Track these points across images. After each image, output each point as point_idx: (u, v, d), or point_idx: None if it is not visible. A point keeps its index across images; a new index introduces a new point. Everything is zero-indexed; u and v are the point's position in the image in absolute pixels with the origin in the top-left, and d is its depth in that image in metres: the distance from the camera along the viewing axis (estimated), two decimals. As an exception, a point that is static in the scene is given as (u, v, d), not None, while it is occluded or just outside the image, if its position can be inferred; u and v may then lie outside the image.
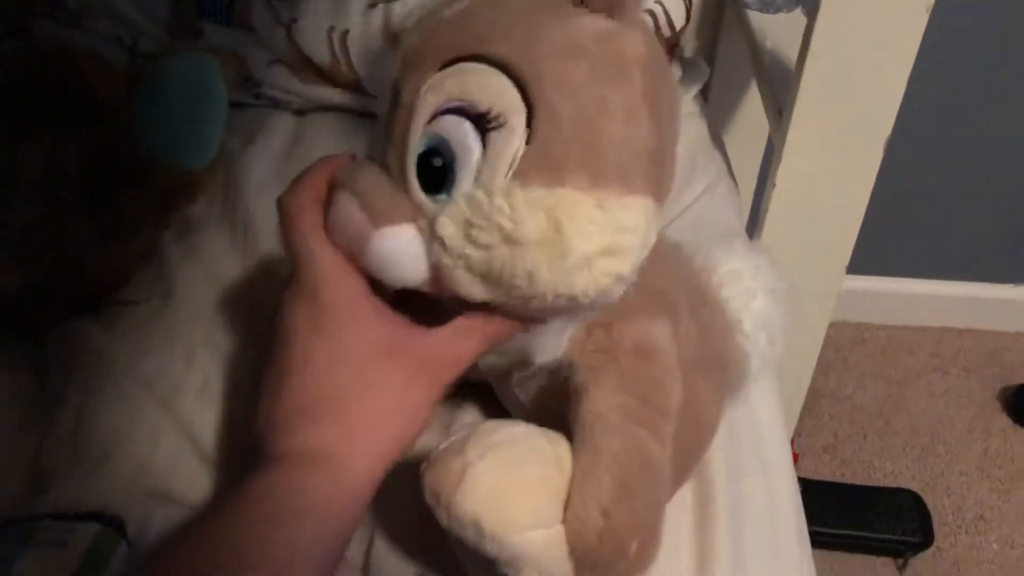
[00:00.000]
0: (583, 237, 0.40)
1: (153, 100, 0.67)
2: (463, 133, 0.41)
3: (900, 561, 1.26)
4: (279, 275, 0.72)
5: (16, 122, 0.66)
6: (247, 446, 0.47)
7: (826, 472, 1.34)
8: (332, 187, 0.45)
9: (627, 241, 0.41)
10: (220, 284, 0.71)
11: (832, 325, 1.52)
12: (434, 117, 0.42)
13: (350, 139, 0.87)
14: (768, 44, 0.92)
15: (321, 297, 0.45)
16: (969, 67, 1.27)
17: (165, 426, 0.60)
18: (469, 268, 0.42)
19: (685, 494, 0.58)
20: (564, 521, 0.43)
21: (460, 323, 0.46)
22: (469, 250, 0.41)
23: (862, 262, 1.48)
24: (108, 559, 0.52)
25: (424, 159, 0.42)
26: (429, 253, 0.43)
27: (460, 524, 0.42)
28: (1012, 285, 1.55)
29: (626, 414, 0.45)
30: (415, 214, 0.43)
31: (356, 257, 0.44)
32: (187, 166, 0.68)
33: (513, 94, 0.41)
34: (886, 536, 1.24)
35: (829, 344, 1.50)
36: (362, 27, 0.84)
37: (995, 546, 1.28)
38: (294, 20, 0.84)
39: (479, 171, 0.41)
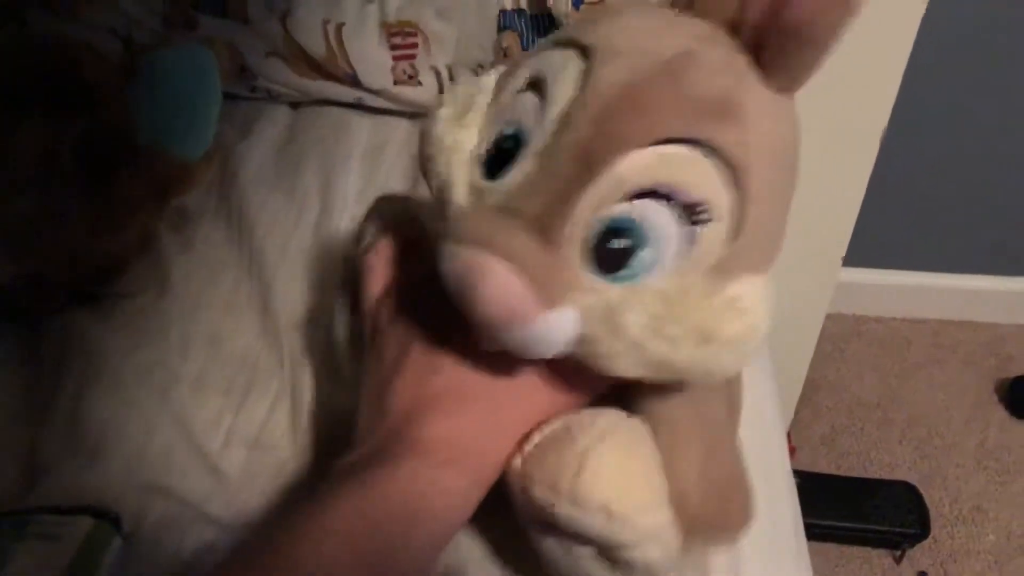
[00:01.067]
0: (762, 328, 0.39)
1: (148, 91, 0.67)
2: (665, 220, 0.37)
3: (897, 553, 1.27)
4: (274, 266, 0.72)
5: (10, 112, 0.66)
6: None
7: (823, 464, 1.34)
8: (460, 239, 0.39)
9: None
10: (215, 275, 0.71)
11: (829, 317, 1.52)
12: (633, 197, 0.37)
13: (346, 133, 0.87)
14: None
15: None
16: (968, 58, 1.27)
17: (159, 419, 0.60)
18: (640, 356, 0.39)
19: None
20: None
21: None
22: (652, 344, 0.38)
23: (860, 254, 1.48)
24: (102, 553, 0.52)
25: (605, 237, 0.38)
26: (584, 332, 0.39)
27: (585, 511, 0.41)
28: (1009, 277, 1.55)
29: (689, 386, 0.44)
30: (573, 290, 0.38)
31: (500, 329, 0.39)
32: (182, 157, 0.68)
33: (728, 188, 0.38)
34: (883, 528, 1.25)
35: (826, 336, 1.50)
36: (357, 20, 0.84)
37: (992, 537, 1.28)
38: (289, 12, 0.84)
39: (678, 262, 0.38)
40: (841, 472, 1.33)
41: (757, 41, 0.37)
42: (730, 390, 0.49)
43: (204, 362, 0.65)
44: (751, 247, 0.38)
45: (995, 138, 1.37)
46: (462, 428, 0.42)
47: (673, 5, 0.41)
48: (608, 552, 0.43)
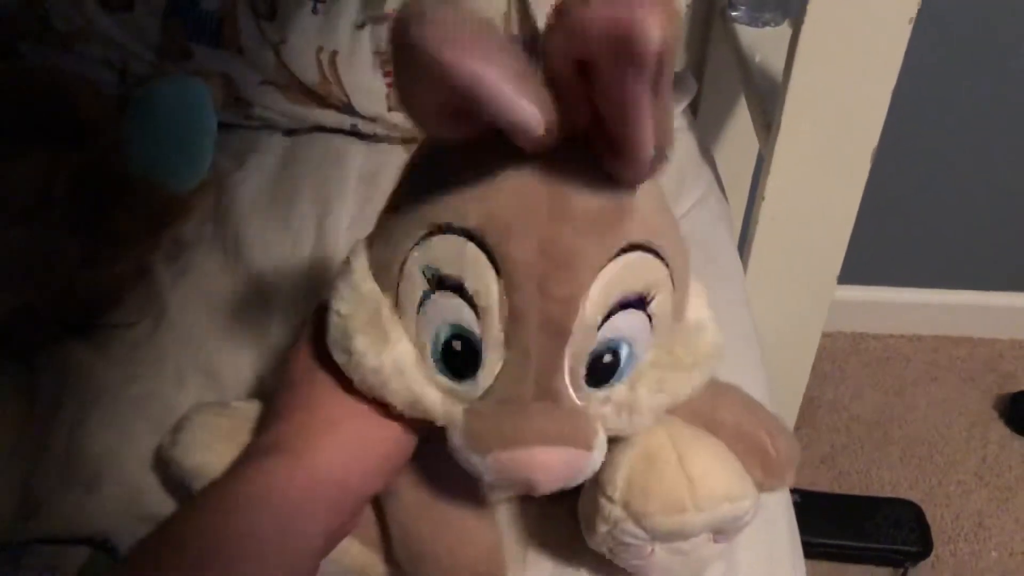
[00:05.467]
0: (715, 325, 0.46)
1: (142, 123, 0.67)
2: (633, 320, 0.41)
3: (900, 571, 1.26)
4: (270, 295, 0.72)
5: (4, 146, 0.67)
6: None
7: (824, 483, 1.34)
8: (492, 446, 0.40)
9: None
10: (211, 305, 0.71)
11: (828, 335, 1.52)
12: (601, 324, 0.40)
13: (341, 159, 0.87)
14: (757, 58, 0.93)
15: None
16: (960, 73, 1.28)
17: (154, 447, 0.60)
18: (655, 415, 0.44)
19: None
20: (742, 456, 0.48)
21: None
22: (660, 400, 0.43)
23: (857, 272, 1.49)
24: (99, 583, 0.52)
25: (594, 365, 0.41)
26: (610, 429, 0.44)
27: (714, 508, 0.45)
28: (1007, 292, 1.55)
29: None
30: (594, 420, 0.42)
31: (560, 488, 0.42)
32: (176, 188, 0.69)
33: (664, 270, 0.42)
34: (885, 546, 1.24)
35: (825, 354, 1.50)
36: (350, 48, 0.85)
37: (994, 554, 1.28)
38: (283, 41, 0.85)
39: (653, 338, 0.43)
40: (842, 490, 1.32)
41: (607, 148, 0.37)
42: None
43: (200, 393, 0.65)
44: (682, 281, 0.43)
45: (992, 153, 1.38)
46: (284, 430, 0.44)
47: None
48: (725, 528, 0.48)
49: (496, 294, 0.39)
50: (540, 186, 0.38)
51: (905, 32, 0.72)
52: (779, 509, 0.63)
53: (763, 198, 0.83)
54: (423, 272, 0.40)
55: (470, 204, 0.39)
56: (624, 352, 0.41)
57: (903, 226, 1.46)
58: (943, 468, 1.37)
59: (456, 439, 0.41)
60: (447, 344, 0.40)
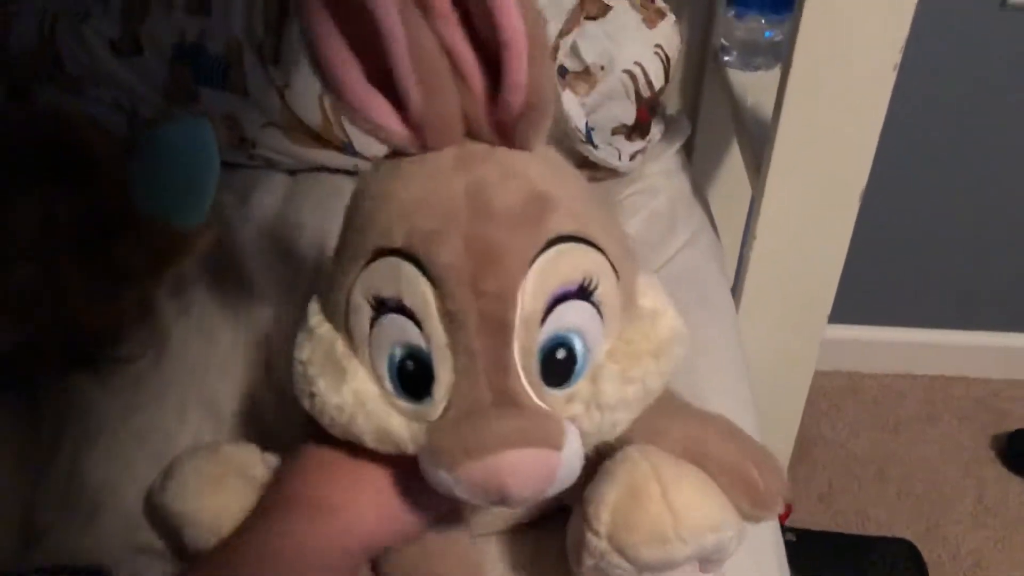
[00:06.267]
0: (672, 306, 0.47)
1: (147, 165, 0.69)
2: (578, 310, 0.41)
3: (897, 611, 1.26)
4: (270, 331, 0.73)
5: (14, 183, 0.68)
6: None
7: (820, 522, 1.34)
8: (460, 459, 0.39)
9: None
10: (213, 341, 0.73)
11: (824, 374, 1.53)
12: (542, 319, 0.41)
13: (342, 199, 0.89)
14: (749, 101, 0.95)
15: None
16: (948, 115, 1.30)
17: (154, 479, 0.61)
18: (627, 410, 0.45)
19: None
20: (728, 487, 0.48)
21: None
22: (629, 391, 0.44)
23: (853, 311, 1.50)
24: (98, 612, 0.52)
25: (547, 362, 0.41)
26: (583, 430, 0.44)
27: (699, 539, 0.45)
28: (1002, 332, 1.56)
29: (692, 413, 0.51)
30: (561, 419, 0.42)
31: (536, 497, 0.42)
32: (180, 225, 0.70)
33: (601, 258, 0.43)
34: (882, 585, 1.24)
35: (821, 393, 1.51)
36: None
37: (992, 595, 1.27)
38: (287, 84, 0.87)
39: (605, 328, 0.43)
40: (838, 529, 1.32)
41: (501, 134, 0.42)
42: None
43: (201, 426, 0.66)
44: (624, 268, 0.44)
45: (985, 194, 1.40)
46: (313, 485, 0.46)
47: (393, 156, 0.44)
48: (710, 557, 0.49)
49: (433, 303, 0.40)
50: (459, 193, 0.40)
51: (890, 77, 0.74)
52: (769, 548, 0.64)
53: (754, 237, 0.85)
54: (367, 299, 0.42)
55: (395, 224, 0.41)
56: (577, 346, 0.42)
57: (900, 266, 1.48)
58: (940, 507, 1.37)
59: (424, 461, 0.41)
60: (400, 366, 0.41)
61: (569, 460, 0.41)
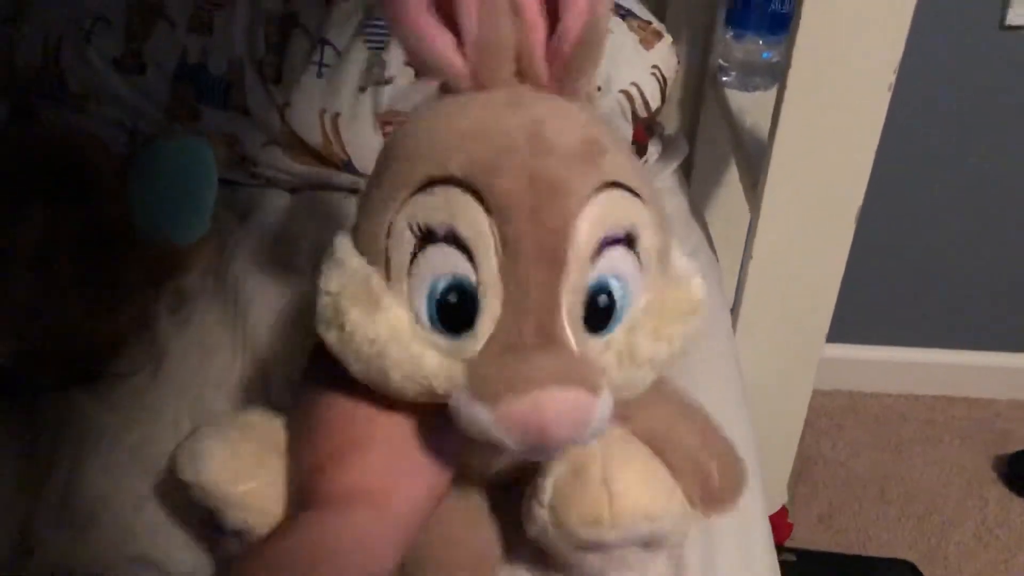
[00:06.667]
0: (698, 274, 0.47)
1: (146, 180, 0.70)
2: (622, 257, 0.41)
3: (898, 633, 1.25)
4: (267, 348, 0.74)
5: (15, 200, 0.69)
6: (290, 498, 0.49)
7: (821, 542, 1.33)
8: (499, 394, 0.38)
9: None
10: (210, 356, 0.73)
11: (824, 394, 1.53)
12: (600, 250, 0.41)
13: (340, 216, 0.90)
14: (747, 122, 0.95)
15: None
16: (947, 134, 1.31)
17: (149, 494, 0.62)
18: (654, 367, 0.44)
19: (659, 566, 0.59)
20: (684, 477, 0.49)
21: None
22: (659, 349, 0.43)
23: (854, 331, 1.50)
24: (90, 624, 0.53)
25: (591, 306, 0.41)
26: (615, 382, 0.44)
27: (632, 527, 0.47)
28: (1003, 353, 1.55)
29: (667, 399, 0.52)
30: (599, 365, 0.42)
31: (572, 441, 0.40)
32: (177, 243, 0.71)
33: (646, 211, 0.43)
34: (883, 607, 1.23)
35: (822, 412, 1.50)
36: (353, 110, 0.88)
37: (994, 617, 1.27)
38: (287, 103, 0.88)
39: (643, 281, 0.43)
40: (839, 549, 1.31)
41: (555, 73, 0.43)
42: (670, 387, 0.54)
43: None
44: (663, 225, 0.44)
45: (988, 213, 1.40)
46: (359, 474, 0.45)
47: (443, 91, 0.44)
48: (647, 543, 0.50)
49: (488, 232, 0.39)
50: (518, 128, 0.40)
51: (884, 97, 0.75)
52: (766, 572, 0.64)
53: (751, 257, 0.85)
54: (411, 229, 0.40)
55: (452, 154, 0.40)
56: (619, 293, 0.41)
57: (900, 286, 1.48)
58: (941, 528, 1.36)
59: (459, 399, 0.40)
60: (442, 299, 0.40)
61: (604, 408, 0.40)
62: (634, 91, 0.87)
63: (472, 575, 0.53)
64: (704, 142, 1.11)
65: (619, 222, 0.41)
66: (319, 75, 0.89)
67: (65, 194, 0.68)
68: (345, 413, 0.46)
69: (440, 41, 0.42)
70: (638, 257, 0.42)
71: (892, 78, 0.74)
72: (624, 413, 0.47)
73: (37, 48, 0.91)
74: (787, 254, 0.85)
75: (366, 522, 0.43)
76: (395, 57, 0.85)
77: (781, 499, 1.16)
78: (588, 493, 0.46)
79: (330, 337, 0.42)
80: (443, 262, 0.40)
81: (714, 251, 0.96)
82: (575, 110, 0.43)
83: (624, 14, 0.90)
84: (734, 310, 0.91)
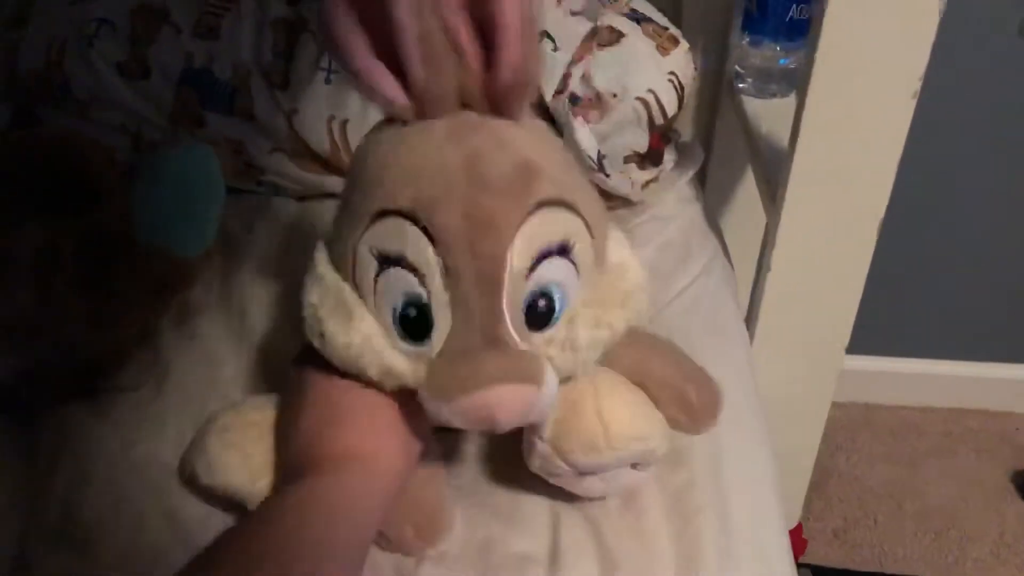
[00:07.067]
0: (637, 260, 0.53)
1: (149, 191, 0.68)
2: (558, 266, 0.48)
3: (915, 651, 1.23)
4: (274, 361, 0.72)
5: (15, 209, 0.68)
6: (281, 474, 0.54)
7: (836, 558, 1.31)
8: (454, 391, 0.45)
9: None
10: (214, 369, 0.71)
11: (840, 406, 1.51)
12: (528, 273, 0.46)
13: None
14: (763, 129, 0.93)
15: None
16: (966, 144, 1.29)
17: (152, 515, 0.60)
18: (597, 351, 0.51)
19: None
20: (665, 404, 0.57)
21: None
22: (600, 334, 0.50)
23: (869, 342, 1.48)
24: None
25: (531, 309, 0.47)
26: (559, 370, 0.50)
27: (627, 448, 0.55)
28: (1020, 364, 1.54)
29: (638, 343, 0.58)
30: (541, 358, 0.48)
31: (517, 424, 0.48)
32: (181, 255, 0.69)
33: (579, 220, 0.49)
34: (900, 625, 1.21)
35: (837, 425, 1.48)
36: (361, 116, 0.86)
37: (1013, 635, 1.24)
38: (295, 110, 0.87)
39: (581, 279, 0.49)
40: (854, 565, 1.29)
41: (492, 104, 0.48)
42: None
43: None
44: (599, 230, 0.50)
45: (1004, 225, 1.38)
46: (348, 438, 0.50)
47: (391, 121, 0.50)
48: (638, 461, 0.58)
49: (434, 261, 0.45)
50: (457, 161, 0.46)
51: (909, 106, 0.73)
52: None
53: (769, 268, 0.83)
54: (371, 253, 0.47)
55: (400, 189, 0.46)
56: (556, 296, 0.48)
57: (916, 296, 1.46)
58: (959, 544, 1.34)
59: (423, 394, 0.47)
60: (403, 313, 0.47)
61: (547, 394, 0.46)
62: (651, 98, 0.85)
63: (418, 532, 0.58)
64: (720, 149, 1.09)
65: (552, 238, 0.47)
66: (327, 81, 0.87)
67: (66, 204, 0.66)
68: (332, 389, 0.51)
69: (385, 84, 0.47)
70: (573, 263, 0.48)
71: (917, 86, 0.72)
72: (607, 358, 0.53)
73: (40, 52, 0.89)
74: (807, 265, 0.83)
75: (358, 483, 0.48)
76: None
77: (797, 515, 1.14)
78: (584, 424, 0.54)
79: (314, 341, 0.50)
80: (400, 283, 0.47)
81: (729, 260, 0.94)
82: (511, 135, 0.48)
83: (640, 19, 0.88)
84: (750, 320, 0.90)
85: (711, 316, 0.82)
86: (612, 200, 0.91)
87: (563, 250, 0.47)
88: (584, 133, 0.84)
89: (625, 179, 0.89)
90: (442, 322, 0.46)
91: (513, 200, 0.46)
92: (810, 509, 1.34)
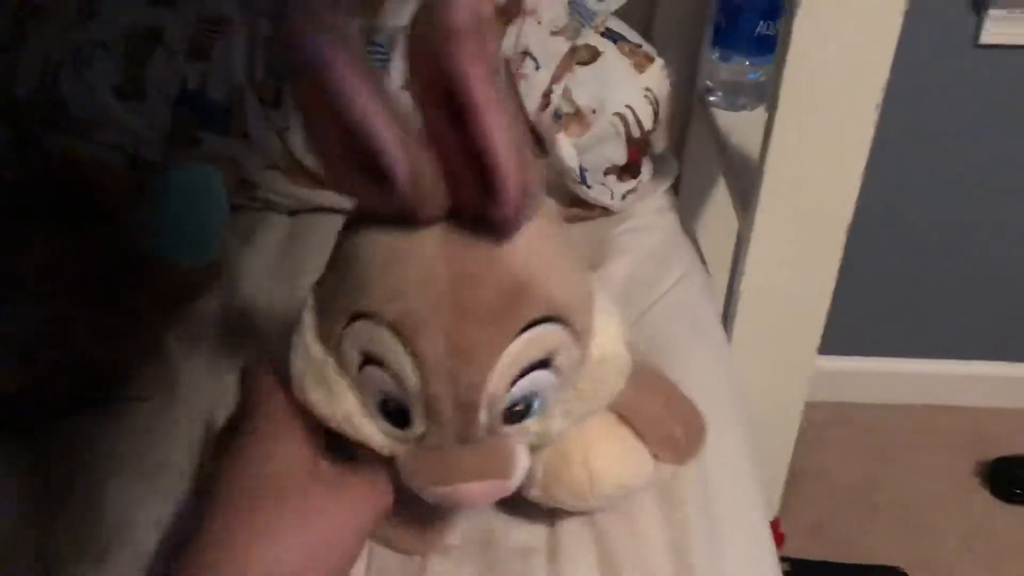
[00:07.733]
0: (622, 345, 0.52)
1: (159, 208, 0.70)
2: (539, 377, 0.47)
3: (890, 639, 1.27)
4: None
5: (23, 225, 0.70)
6: None
7: (812, 552, 1.35)
8: (431, 480, 0.48)
9: None
10: (221, 379, 0.73)
11: (813, 405, 1.54)
12: (515, 381, 0.46)
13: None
14: (733, 140, 0.97)
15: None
16: (926, 150, 1.34)
17: (167, 517, 0.62)
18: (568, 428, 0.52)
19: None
20: (652, 442, 0.59)
21: None
22: (576, 407, 0.51)
23: (840, 342, 1.52)
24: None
25: (507, 411, 0.48)
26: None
27: (610, 496, 0.58)
28: (987, 361, 1.58)
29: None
30: (514, 451, 0.50)
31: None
32: (187, 268, 0.72)
33: (565, 332, 0.47)
34: (875, 614, 1.25)
35: (810, 423, 1.52)
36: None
37: (983, 622, 1.29)
38: (287, 127, 0.89)
39: (561, 381, 0.49)
40: (830, 559, 1.33)
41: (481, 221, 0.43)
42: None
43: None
44: (584, 331, 0.49)
45: (973, 224, 1.43)
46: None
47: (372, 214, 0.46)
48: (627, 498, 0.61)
49: (413, 377, 0.45)
50: (444, 282, 0.43)
51: (872, 116, 0.77)
52: None
53: (743, 274, 0.87)
54: (354, 349, 0.46)
55: (388, 300, 0.44)
56: (535, 403, 0.48)
57: (886, 298, 1.51)
58: (930, 536, 1.39)
59: (400, 471, 0.49)
60: (383, 404, 0.48)
61: (516, 479, 0.50)
62: (628, 113, 0.88)
63: (421, 535, 0.61)
64: (692, 160, 1.13)
65: (535, 355, 0.46)
66: (318, 100, 0.89)
67: (71, 219, 0.68)
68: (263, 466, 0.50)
69: (367, 193, 0.43)
70: (555, 370, 0.47)
71: (880, 97, 0.76)
72: None
73: (36, 75, 0.91)
74: (779, 270, 0.87)
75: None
76: (395, 80, 0.87)
77: (774, 510, 1.17)
78: (572, 474, 0.56)
79: (299, 398, 0.50)
80: (380, 381, 0.46)
81: (706, 267, 0.98)
82: (506, 248, 0.44)
83: (616, 38, 0.92)
84: (726, 324, 0.93)
85: (691, 319, 0.85)
86: (593, 211, 0.95)
87: (545, 364, 0.47)
88: (567, 147, 0.88)
89: (605, 191, 0.93)
90: (419, 422, 0.47)
91: (497, 328, 0.44)
92: (787, 506, 1.38)
